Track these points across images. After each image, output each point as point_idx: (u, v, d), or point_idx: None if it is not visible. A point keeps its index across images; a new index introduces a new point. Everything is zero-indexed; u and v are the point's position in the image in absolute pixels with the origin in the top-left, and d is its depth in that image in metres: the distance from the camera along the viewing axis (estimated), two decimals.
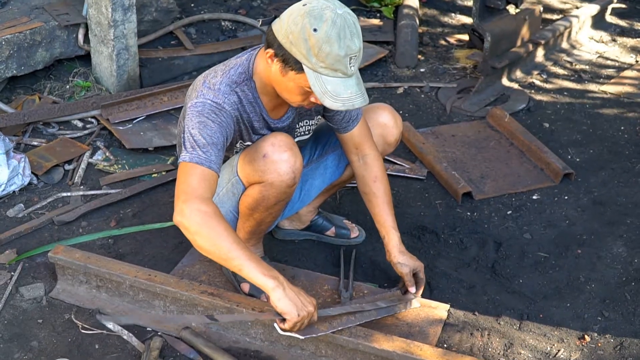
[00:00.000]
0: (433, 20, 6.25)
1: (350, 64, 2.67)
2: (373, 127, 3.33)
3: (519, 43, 5.29)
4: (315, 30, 2.64)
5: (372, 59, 5.44)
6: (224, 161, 3.14)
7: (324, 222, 3.72)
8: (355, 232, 3.74)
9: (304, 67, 2.69)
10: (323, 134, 3.42)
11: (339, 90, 2.68)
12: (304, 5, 2.70)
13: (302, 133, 3.26)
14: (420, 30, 5.95)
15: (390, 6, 6.12)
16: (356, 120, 3.20)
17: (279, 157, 2.94)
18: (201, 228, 2.66)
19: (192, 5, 5.82)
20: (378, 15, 6.15)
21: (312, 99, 2.81)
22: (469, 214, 4.02)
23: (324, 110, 3.20)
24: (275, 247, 3.71)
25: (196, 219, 2.66)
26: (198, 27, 5.61)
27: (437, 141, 4.63)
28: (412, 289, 3.24)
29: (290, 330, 2.79)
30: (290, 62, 2.72)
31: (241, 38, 5.53)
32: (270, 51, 2.76)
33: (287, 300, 2.74)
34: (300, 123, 3.20)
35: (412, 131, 4.60)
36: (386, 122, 3.37)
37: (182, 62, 5.16)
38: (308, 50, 2.66)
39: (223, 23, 5.69)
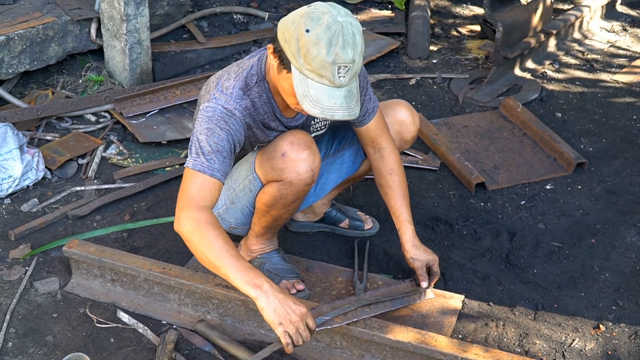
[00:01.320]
0: (444, 11, 6.25)
1: (338, 73, 2.63)
2: (390, 124, 3.31)
3: (530, 33, 5.27)
4: (307, 31, 2.61)
5: (384, 50, 5.42)
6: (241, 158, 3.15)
7: (337, 214, 3.71)
8: (369, 224, 3.72)
9: (292, 66, 2.67)
10: (340, 128, 3.40)
11: (321, 98, 2.65)
12: (309, 6, 2.69)
13: (318, 129, 3.24)
14: (431, 21, 5.93)
15: None
16: (372, 114, 3.18)
17: (298, 156, 2.93)
18: (192, 236, 2.67)
19: None
20: (389, 6, 6.15)
21: None
22: (482, 204, 4.01)
23: None
24: (290, 239, 3.70)
25: (188, 227, 2.67)
26: (210, 20, 5.61)
27: (450, 132, 4.62)
28: (424, 284, 3.21)
29: (290, 344, 2.63)
30: (284, 60, 2.70)
31: (253, 31, 5.53)
32: (272, 46, 2.75)
33: (269, 310, 2.61)
34: (315, 119, 3.17)
35: (425, 122, 4.59)
36: (404, 119, 3.36)
37: (194, 55, 5.16)
38: (298, 50, 2.63)
39: (235, 16, 5.70)
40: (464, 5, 6.35)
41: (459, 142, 4.52)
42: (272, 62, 2.76)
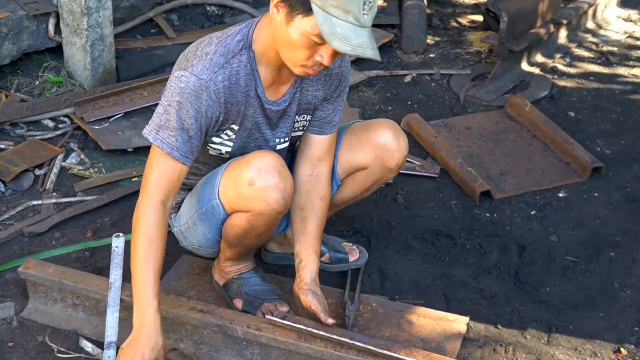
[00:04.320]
0: (443, 0, 6.26)
1: (363, 9, 2.69)
2: (370, 149, 3.29)
3: (539, 23, 5.30)
4: None
5: (375, 44, 5.37)
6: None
7: None
8: (355, 255, 3.66)
9: (312, 5, 2.69)
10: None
11: (349, 35, 2.69)
12: None
13: (299, 129, 3.24)
14: (428, 11, 5.95)
15: None
16: (334, 127, 3.23)
17: (267, 184, 2.93)
18: (132, 242, 2.90)
19: None
20: None
21: (319, 56, 2.80)
22: (488, 215, 4.01)
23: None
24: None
25: (133, 231, 2.89)
26: (180, 13, 5.59)
27: (451, 134, 4.63)
28: (330, 320, 3.07)
29: None
30: (297, 4, 2.73)
31: (229, 24, 5.33)
32: None
33: (124, 351, 2.83)
34: (298, 117, 3.18)
35: (422, 124, 4.60)
36: (387, 143, 3.30)
37: (163, 52, 5.15)
38: None
39: (208, 8, 5.68)
40: None
41: (461, 145, 4.52)
42: (277, 16, 2.80)
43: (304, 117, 3.21)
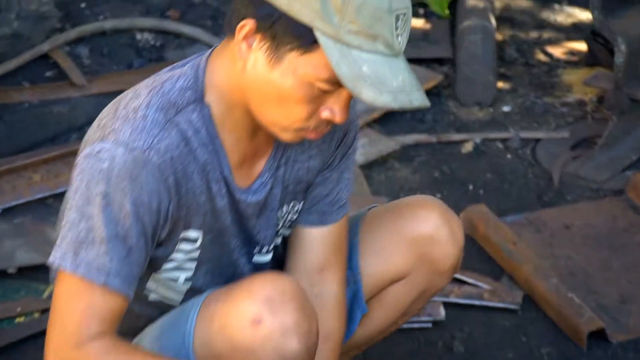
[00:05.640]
0: (521, 18, 6.44)
1: (396, 27, 2.65)
2: (408, 245, 3.33)
3: None
4: None
5: (417, 79, 5.41)
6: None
7: None
8: None
9: (317, 35, 2.62)
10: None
11: (384, 74, 2.64)
12: None
13: (286, 224, 3.22)
14: (499, 37, 6.11)
15: None
16: (342, 209, 3.23)
17: (283, 324, 2.79)
18: None
19: (83, 5, 5.93)
20: (422, 12, 6.28)
21: (327, 110, 2.76)
22: None
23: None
24: None
25: None
26: (94, 44, 5.73)
27: (540, 238, 4.70)
28: None
29: None
30: (289, 35, 2.64)
31: (173, 61, 5.46)
32: (248, 23, 2.69)
33: None
34: (285, 206, 3.14)
35: (492, 222, 4.69)
36: (434, 232, 3.33)
37: (66, 108, 5.24)
38: (323, 2, 2.60)
39: (139, 36, 5.82)
40: (556, 5, 6.52)
41: (556, 256, 4.58)
42: (249, 56, 2.72)
43: (292, 206, 3.18)
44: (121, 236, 2.70)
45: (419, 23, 6.16)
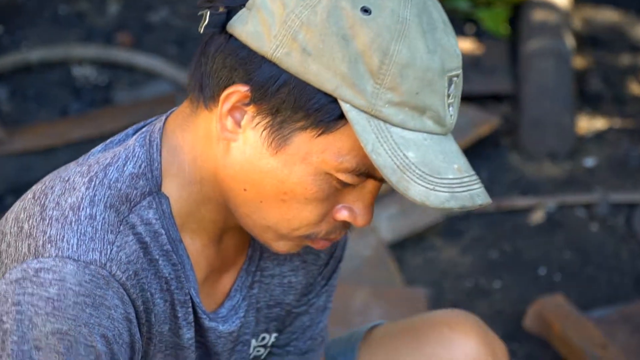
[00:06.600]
0: (608, 37, 6.34)
1: (447, 96, 2.40)
2: None
3: None
4: (366, 11, 2.34)
5: (465, 137, 5.32)
6: None
7: None
8: None
9: (344, 108, 2.30)
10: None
11: (435, 162, 2.37)
12: None
13: (257, 354, 2.97)
14: (578, 63, 6.02)
15: (500, 9, 6.17)
16: (325, 339, 3.05)
17: None
18: None
19: (0, 30, 5.98)
20: (474, 30, 6.14)
21: (346, 209, 2.47)
22: None
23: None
24: None
25: None
26: (16, 83, 5.73)
27: (638, 339, 4.44)
28: None
29: None
30: (300, 109, 2.34)
31: (124, 106, 5.50)
32: (238, 91, 2.34)
33: None
34: (254, 339, 2.89)
35: (572, 317, 4.49)
36: (473, 358, 3.08)
37: None
38: (353, 62, 2.32)
39: (77, 70, 5.75)
40: None
41: None
42: (232, 134, 2.43)
43: (261, 340, 2.91)
44: None
45: (467, 45, 6.07)
